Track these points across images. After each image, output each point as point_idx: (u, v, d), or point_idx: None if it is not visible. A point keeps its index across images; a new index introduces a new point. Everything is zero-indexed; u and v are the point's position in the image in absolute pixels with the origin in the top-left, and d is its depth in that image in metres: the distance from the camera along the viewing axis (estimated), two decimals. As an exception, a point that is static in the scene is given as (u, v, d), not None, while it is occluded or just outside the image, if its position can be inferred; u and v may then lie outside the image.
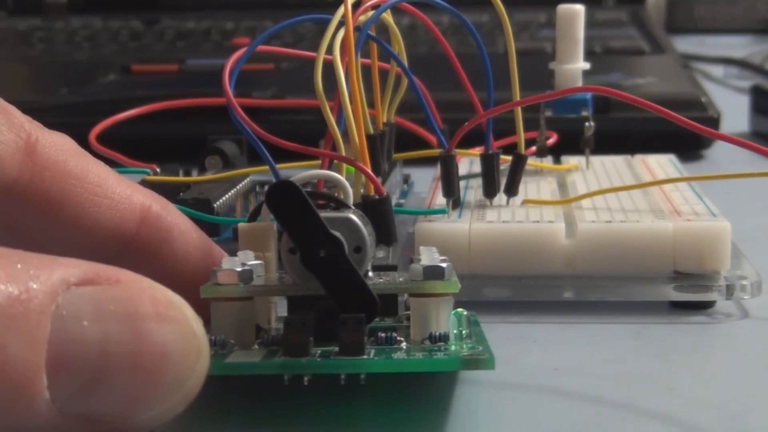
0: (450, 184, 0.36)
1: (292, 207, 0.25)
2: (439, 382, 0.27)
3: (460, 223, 0.35)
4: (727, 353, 0.31)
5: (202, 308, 0.22)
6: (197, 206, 0.37)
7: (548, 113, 0.44)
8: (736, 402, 0.27)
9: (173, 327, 0.20)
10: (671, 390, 0.27)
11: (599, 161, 0.45)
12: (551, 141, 0.44)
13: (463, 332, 0.27)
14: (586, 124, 0.44)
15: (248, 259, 0.27)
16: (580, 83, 0.43)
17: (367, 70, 0.34)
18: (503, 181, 0.38)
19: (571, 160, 0.45)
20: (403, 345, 0.26)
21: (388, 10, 0.34)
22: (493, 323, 0.30)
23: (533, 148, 0.42)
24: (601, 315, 0.33)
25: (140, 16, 0.87)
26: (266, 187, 0.26)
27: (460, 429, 0.25)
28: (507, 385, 0.28)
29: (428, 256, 0.27)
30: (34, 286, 0.19)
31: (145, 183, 0.40)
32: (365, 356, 0.25)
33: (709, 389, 0.27)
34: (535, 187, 0.41)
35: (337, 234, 0.26)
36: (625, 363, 0.29)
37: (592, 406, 0.26)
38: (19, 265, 0.19)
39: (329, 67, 0.30)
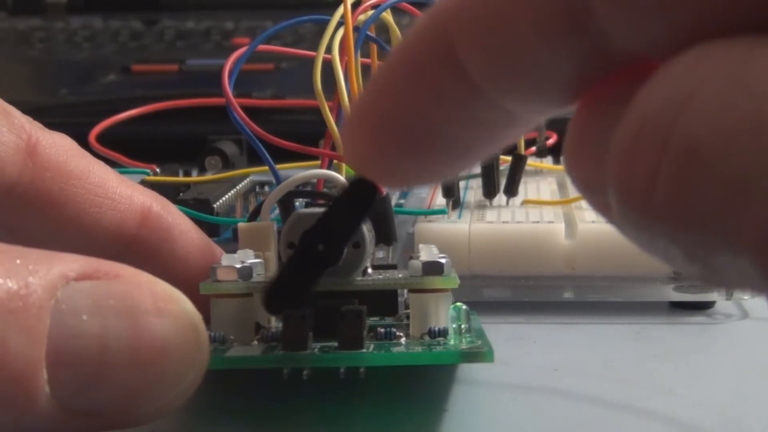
0: (450, 184, 0.36)
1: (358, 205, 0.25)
2: (439, 382, 0.27)
3: (460, 223, 0.35)
4: (727, 353, 0.31)
5: (202, 307, 0.22)
6: (197, 206, 0.37)
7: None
8: (736, 402, 0.27)
9: (172, 321, 0.20)
10: (671, 390, 0.27)
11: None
12: (551, 141, 0.44)
13: (462, 326, 0.27)
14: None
15: (248, 257, 0.27)
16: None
17: (367, 70, 0.34)
18: (503, 182, 0.38)
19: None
20: (402, 340, 0.26)
21: (388, 10, 0.34)
22: (493, 323, 0.30)
23: (533, 149, 0.42)
24: (601, 315, 0.33)
25: (140, 16, 0.87)
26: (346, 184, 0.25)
27: (460, 429, 0.25)
28: (507, 385, 0.28)
29: (427, 253, 0.27)
30: (33, 281, 0.19)
31: (145, 183, 0.40)
32: (364, 350, 0.25)
33: (709, 389, 0.27)
34: (535, 187, 0.41)
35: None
36: (625, 363, 0.29)
37: (592, 406, 0.26)
38: (18, 261, 0.19)
39: (330, 68, 0.30)
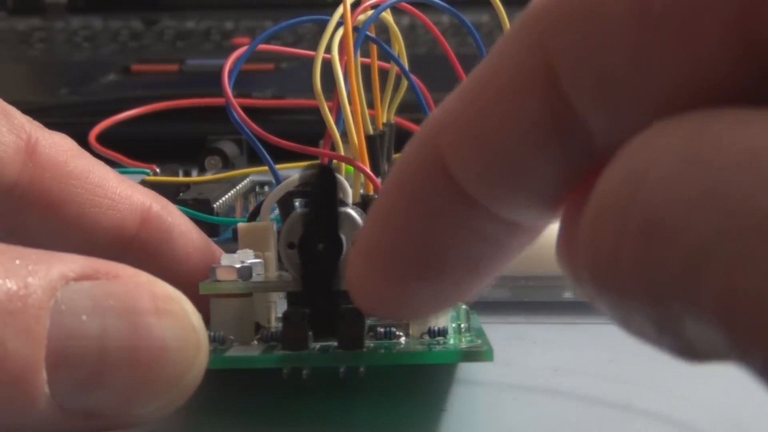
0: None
1: (325, 191, 0.25)
2: (438, 382, 0.27)
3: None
4: (726, 353, 0.31)
5: (202, 307, 0.22)
6: (197, 206, 0.37)
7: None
8: (736, 402, 0.26)
9: (172, 321, 0.20)
10: (671, 390, 0.27)
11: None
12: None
13: (462, 326, 0.27)
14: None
15: (247, 257, 0.27)
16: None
17: (367, 70, 0.34)
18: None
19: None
20: (402, 339, 0.26)
21: (388, 10, 0.34)
22: (493, 323, 0.30)
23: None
24: (601, 315, 0.33)
25: (140, 16, 0.87)
26: (307, 169, 0.26)
27: (459, 429, 0.25)
28: (507, 385, 0.28)
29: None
30: (33, 281, 0.19)
31: (145, 183, 0.40)
32: (364, 350, 0.25)
33: (709, 389, 0.27)
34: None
35: (343, 237, 0.26)
36: (625, 363, 0.29)
37: (592, 406, 0.26)
38: (17, 261, 0.19)
39: (329, 68, 0.30)
